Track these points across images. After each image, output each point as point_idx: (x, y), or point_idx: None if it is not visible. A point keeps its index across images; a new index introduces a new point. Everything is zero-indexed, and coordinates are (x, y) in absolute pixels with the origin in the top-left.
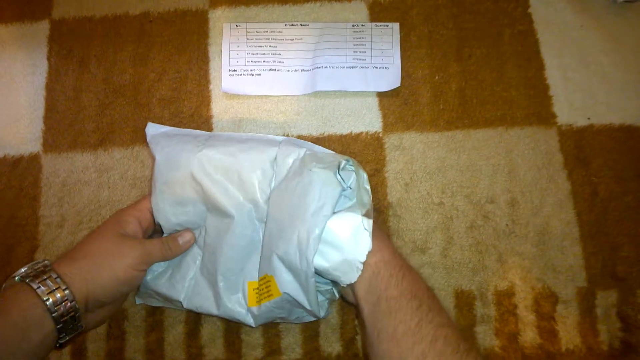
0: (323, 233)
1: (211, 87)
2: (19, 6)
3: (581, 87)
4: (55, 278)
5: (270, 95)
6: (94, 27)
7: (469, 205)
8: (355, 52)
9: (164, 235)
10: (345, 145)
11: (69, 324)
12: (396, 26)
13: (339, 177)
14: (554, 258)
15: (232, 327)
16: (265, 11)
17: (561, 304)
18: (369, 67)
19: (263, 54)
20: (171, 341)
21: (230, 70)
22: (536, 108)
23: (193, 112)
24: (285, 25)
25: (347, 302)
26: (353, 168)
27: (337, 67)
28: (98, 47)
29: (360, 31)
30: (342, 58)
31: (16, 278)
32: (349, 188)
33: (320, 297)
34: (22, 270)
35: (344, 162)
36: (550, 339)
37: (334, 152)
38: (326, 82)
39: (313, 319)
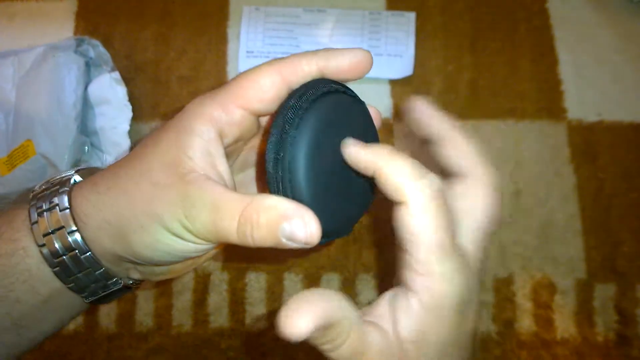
0: None
1: (228, 68)
2: None
3: (593, 84)
4: (63, 210)
5: None
6: (119, 6)
7: None
8: (370, 39)
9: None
10: None
11: (86, 278)
12: (412, 15)
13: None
14: (555, 249)
15: (237, 298)
16: None
17: (559, 294)
18: (383, 54)
19: (280, 37)
20: (179, 307)
21: (247, 52)
22: (547, 102)
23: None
24: (304, 10)
25: None
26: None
27: None
28: (122, 24)
29: (376, 19)
30: (357, 45)
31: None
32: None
33: None
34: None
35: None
36: (546, 327)
37: None
38: None
39: None
